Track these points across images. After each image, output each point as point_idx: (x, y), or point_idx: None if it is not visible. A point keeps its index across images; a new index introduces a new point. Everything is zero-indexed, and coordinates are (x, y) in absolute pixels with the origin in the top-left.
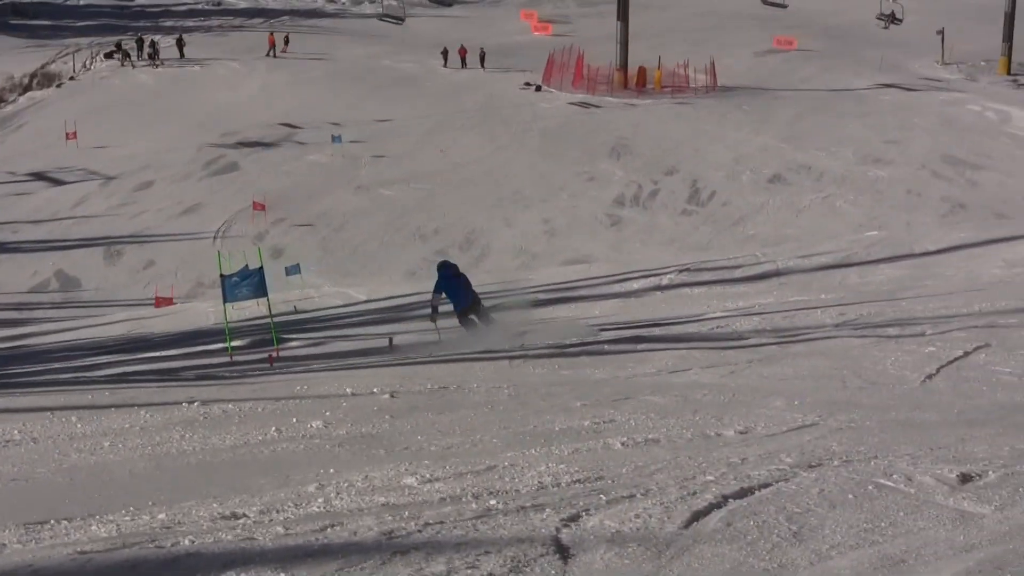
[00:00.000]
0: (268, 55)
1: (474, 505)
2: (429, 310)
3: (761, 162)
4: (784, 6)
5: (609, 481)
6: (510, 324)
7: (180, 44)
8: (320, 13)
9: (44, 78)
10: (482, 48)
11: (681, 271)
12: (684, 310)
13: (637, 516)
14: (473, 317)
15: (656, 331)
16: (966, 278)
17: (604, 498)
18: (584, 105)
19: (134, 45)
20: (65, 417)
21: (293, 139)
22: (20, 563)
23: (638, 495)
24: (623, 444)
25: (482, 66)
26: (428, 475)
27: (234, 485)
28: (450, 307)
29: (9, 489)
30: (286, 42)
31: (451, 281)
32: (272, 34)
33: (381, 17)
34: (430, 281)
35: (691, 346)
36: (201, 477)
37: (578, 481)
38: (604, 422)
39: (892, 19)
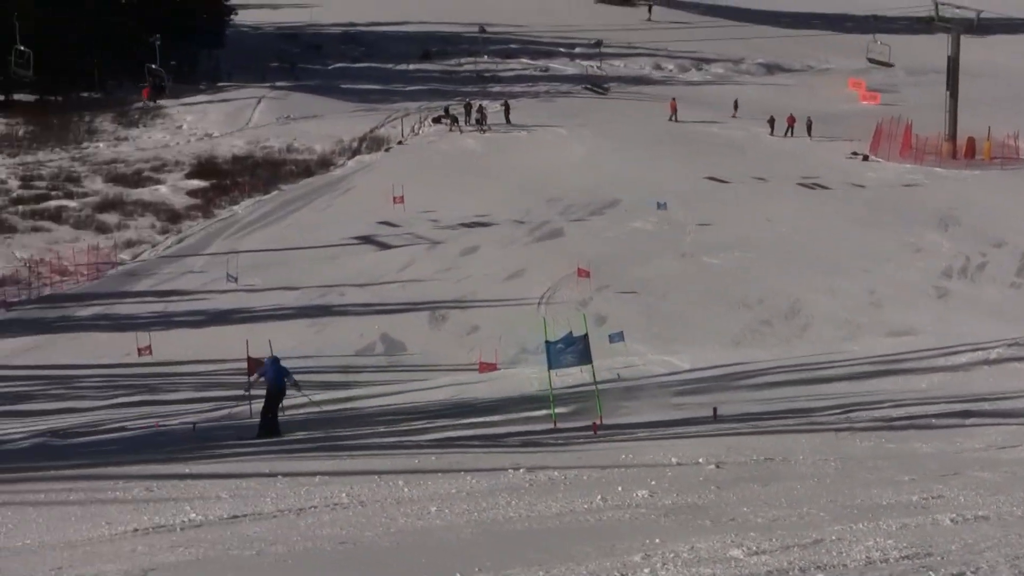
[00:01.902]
0: (670, 120)
1: None
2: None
3: None
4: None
5: (938, 558)
6: None
7: (507, 110)
8: (647, 80)
9: (373, 142)
10: (809, 117)
11: (1010, 345)
12: (1013, 385)
13: None
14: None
15: (985, 406)
16: None
17: (933, 575)
18: (911, 175)
19: (462, 110)
20: (392, 481)
21: (618, 205)
22: None
23: (968, 573)
24: (952, 520)
25: (809, 134)
26: (754, 547)
27: (559, 553)
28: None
29: (337, 552)
30: (735, 107)
31: (278, 369)
32: (674, 99)
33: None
34: (755, 350)
35: (1021, 422)
36: (527, 544)
37: (906, 557)
38: (932, 497)
39: None
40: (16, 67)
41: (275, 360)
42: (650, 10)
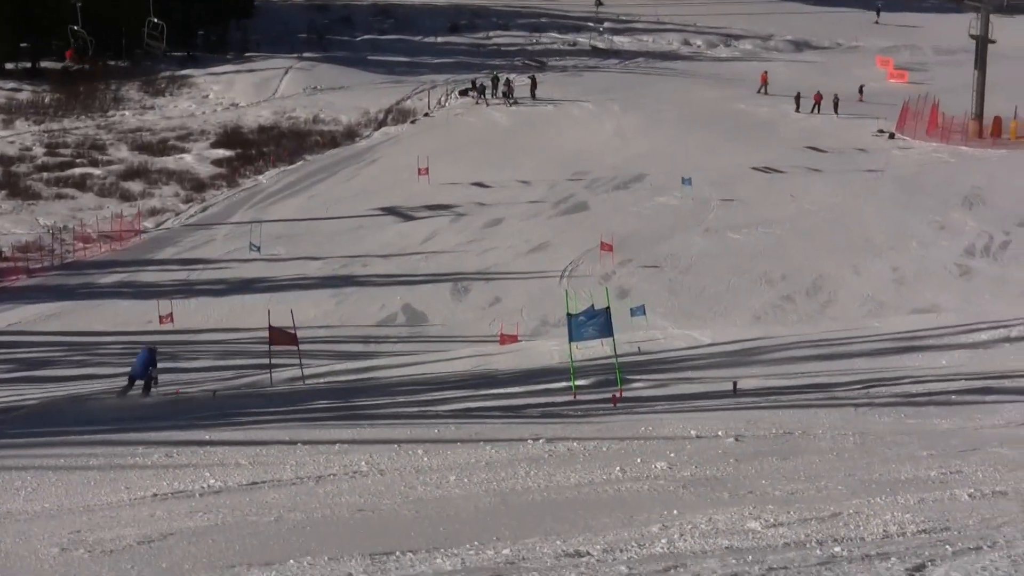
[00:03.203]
0: (759, 92)
1: (818, 551)
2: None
3: None
4: None
5: (955, 532)
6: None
7: (533, 85)
8: (675, 56)
9: (399, 114)
10: (836, 94)
11: None
12: None
13: (984, 568)
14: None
15: (1006, 383)
16: None
17: (950, 549)
18: (937, 154)
19: (489, 83)
20: (412, 450)
21: (643, 180)
22: None
23: (985, 547)
24: (970, 496)
25: (835, 112)
26: (772, 520)
27: (578, 523)
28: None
29: (356, 519)
30: (860, 92)
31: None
32: (765, 72)
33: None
34: (776, 326)
35: None
36: (545, 514)
37: (924, 531)
38: (951, 473)
39: None
40: (149, 39)
41: (147, 352)
42: (878, 14)
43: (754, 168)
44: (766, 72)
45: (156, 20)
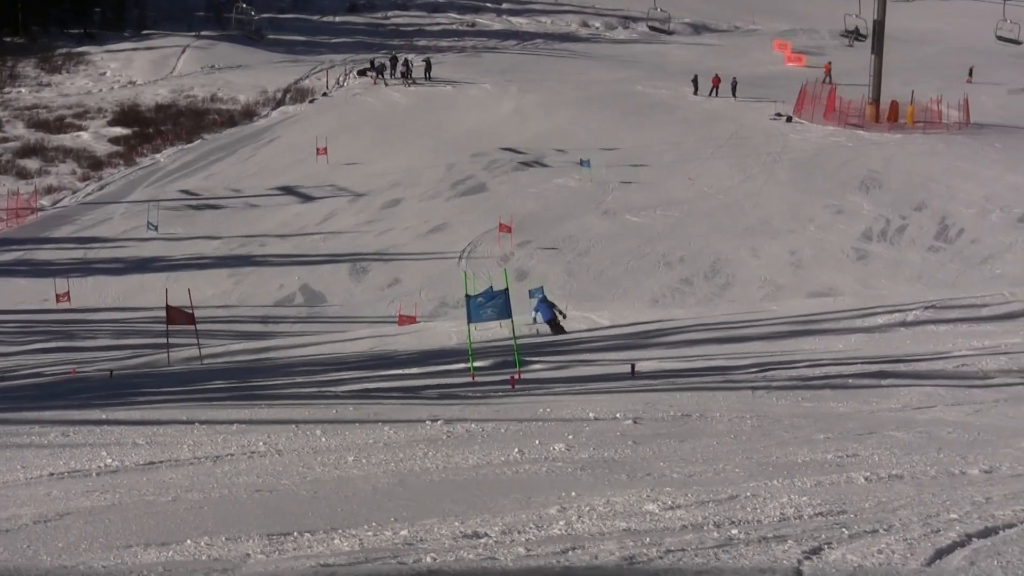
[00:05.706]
0: (824, 82)
1: (716, 534)
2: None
3: (1012, 200)
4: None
5: (852, 515)
6: None
7: (427, 67)
8: (573, 37)
9: (297, 93)
10: (735, 77)
11: (927, 308)
12: (929, 347)
13: (880, 551)
14: None
15: (901, 367)
16: None
17: (846, 532)
18: (835, 138)
19: (387, 63)
20: (310, 430)
21: (542, 162)
22: (263, 573)
23: (881, 530)
24: (866, 479)
25: (733, 95)
26: (670, 502)
27: (476, 504)
28: None
29: (253, 500)
30: (970, 74)
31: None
32: (829, 64)
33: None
34: (675, 308)
35: (936, 383)
36: (444, 495)
37: (820, 514)
38: (847, 456)
39: (856, 36)
40: (237, 23)
41: (541, 293)
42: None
43: (653, 150)
44: (829, 63)
45: (245, 4)
